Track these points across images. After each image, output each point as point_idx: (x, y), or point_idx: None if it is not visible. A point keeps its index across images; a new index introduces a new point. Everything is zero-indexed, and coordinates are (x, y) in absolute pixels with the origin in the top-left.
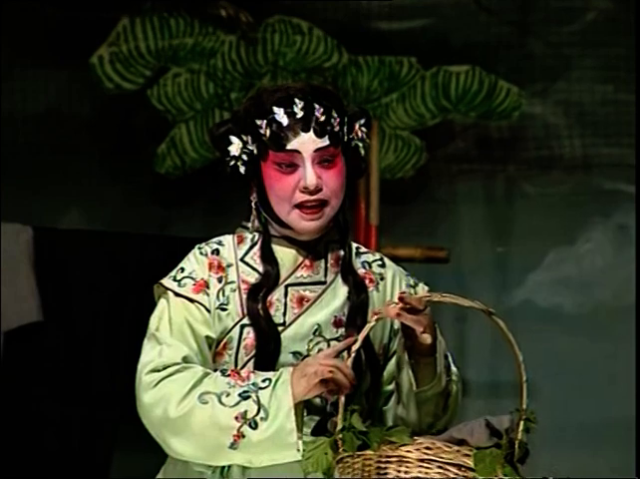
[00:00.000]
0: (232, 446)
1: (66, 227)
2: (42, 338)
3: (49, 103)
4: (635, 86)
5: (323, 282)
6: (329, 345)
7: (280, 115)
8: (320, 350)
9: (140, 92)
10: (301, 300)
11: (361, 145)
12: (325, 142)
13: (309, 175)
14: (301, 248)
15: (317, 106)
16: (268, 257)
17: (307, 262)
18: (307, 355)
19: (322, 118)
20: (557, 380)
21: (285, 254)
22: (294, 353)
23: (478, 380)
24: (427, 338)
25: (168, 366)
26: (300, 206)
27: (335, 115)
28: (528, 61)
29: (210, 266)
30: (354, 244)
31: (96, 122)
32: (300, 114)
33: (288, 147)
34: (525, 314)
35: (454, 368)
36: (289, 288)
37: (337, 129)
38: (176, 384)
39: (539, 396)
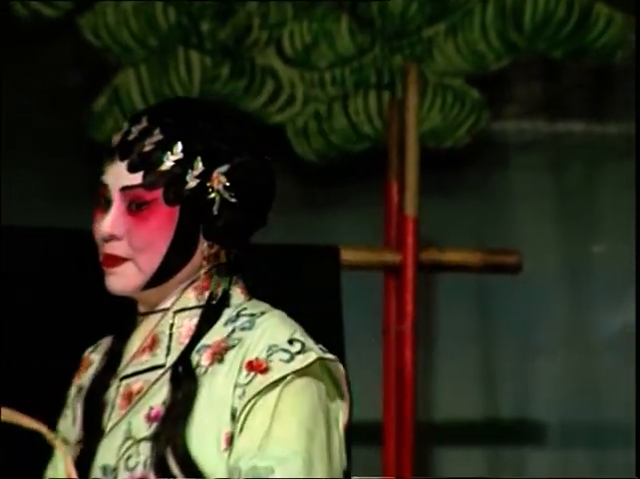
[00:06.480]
0: None
1: None
2: None
3: None
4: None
5: (161, 366)
6: (138, 448)
7: (116, 135)
8: (129, 458)
9: (66, 22)
10: (130, 396)
11: (218, 199)
12: (137, 179)
13: (106, 218)
14: (147, 323)
15: (157, 130)
16: (114, 343)
17: (149, 342)
18: (115, 468)
19: (149, 147)
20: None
21: (136, 333)
22: (103, 467)
23: None
24: None
25: None
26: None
27: (177, 148)
28: None
29: None
30: (245, 302)
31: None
32: (132, 135)
33: (102, 177)
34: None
35: None
36: (123, 381)
37: (166, 167)
38: None
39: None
